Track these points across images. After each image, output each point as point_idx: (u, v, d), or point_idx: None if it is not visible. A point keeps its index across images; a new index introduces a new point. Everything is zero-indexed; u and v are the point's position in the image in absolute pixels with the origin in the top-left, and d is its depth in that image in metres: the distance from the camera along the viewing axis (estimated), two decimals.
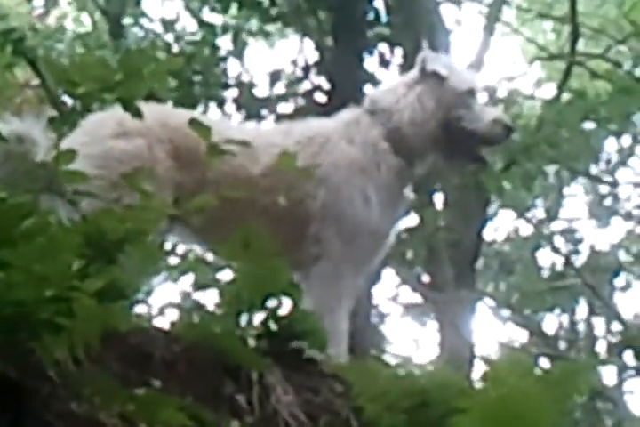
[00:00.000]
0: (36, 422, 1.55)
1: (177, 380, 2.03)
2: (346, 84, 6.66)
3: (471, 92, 3.46)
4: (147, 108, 2.91)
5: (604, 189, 12.23)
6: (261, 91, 8.05)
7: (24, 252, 1.58)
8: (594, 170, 11.17)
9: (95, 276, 1.76)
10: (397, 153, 3.29)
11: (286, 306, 2.46)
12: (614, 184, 11.80)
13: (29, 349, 1.61)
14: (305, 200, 3.15)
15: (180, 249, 3.13)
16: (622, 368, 12.75)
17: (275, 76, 8.04)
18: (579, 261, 12.48)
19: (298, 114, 7.02)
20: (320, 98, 7.54)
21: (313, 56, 8.02)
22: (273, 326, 2.35)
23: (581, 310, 13.47)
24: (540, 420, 1.67)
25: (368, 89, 5.11)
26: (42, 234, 1.62)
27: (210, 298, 2.84)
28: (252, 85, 8.16)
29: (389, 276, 9.58)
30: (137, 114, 2.56)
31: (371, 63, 7.48)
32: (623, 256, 13.13)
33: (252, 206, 3.00)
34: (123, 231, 1.89)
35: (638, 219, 12.15)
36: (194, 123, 2.55)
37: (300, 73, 7.96)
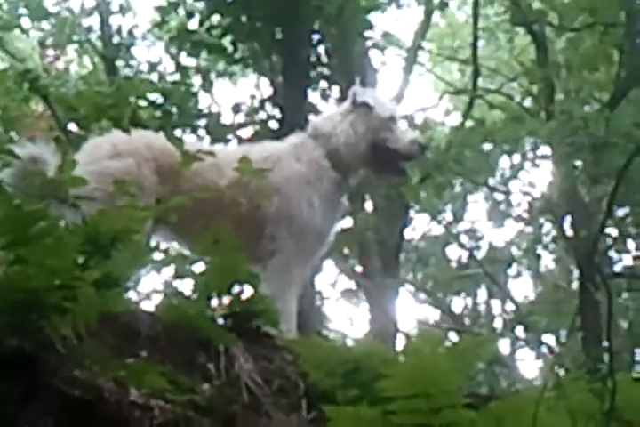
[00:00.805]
0: (46, 388, 1.52)
1: (159, 352, 1.97)
2: (294, 114, 6.59)
3: (393, 119, 3.48)
4: (135, 133, 2.86)
5: (499, 196, 12.29)
6: (226, 119, 8.06)
7: (37, 249, 1.56)
8: (491, 182, 11.23)
9: (94, 268, 1.72)
10: (335, 169, 3.28)
11: (247, 292, 2.45)
12: (507, 193, 11.91)
13: (40, 327, 1.60)
14: (262, 206, 3.14)
15: (163, 246, 3.01)
16: (515, 340, 12.88)
17: (237, 108, 8.02)
18: (480, 254, 12.53)
19: (255, 138, 6.98)
20: (273, 125, 7.52)
21: (267, 91, 8.10)
22: (237, 308, 2.32)
23: (482, 293, 13.51)
24: (449, 383, 1.63)
25: (312, 118, 5.05)
26: (51, 235, 1.59)
27: (186, 286, 2.71)
28: (218, 115, 8.15)
29: (330, 266, 9.48)
30: (125, 130, 2.53)
31: (314, 97, 7.57)
32: (515, 251, 13.30)
33: (219, 211, 2.97)
34: (115, 232, 1.85)
35: (526, 221, 12.25)
36: (172, 139, 2.53)
37: (257, 105, 7.95)
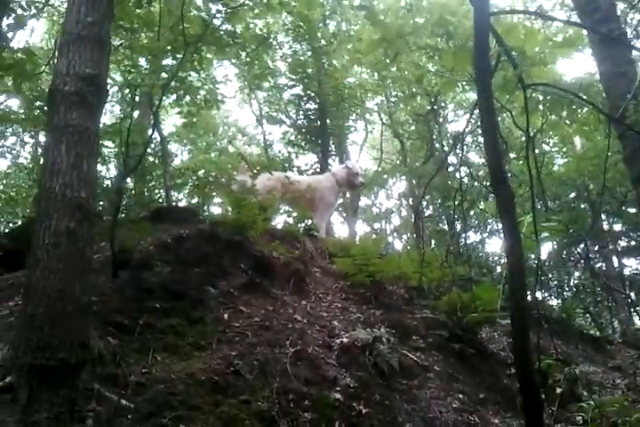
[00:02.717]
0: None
1: (281, 239, 5.67)
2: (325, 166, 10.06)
3: (357, 173, 7.29)
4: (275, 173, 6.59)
5: None
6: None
7: (244, 208, 5.25)
8: None
9: (261, 216, 5.48)
10: (339, 186, 7.20)
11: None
12: None
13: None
14: (313, 197, 6.90)
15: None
16: None
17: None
18: None
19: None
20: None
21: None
22: (307, 227, 6.16)
23: None
24: (371, 250, 5.41)
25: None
26: (247, 204, 5.32)
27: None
28: None
29: None
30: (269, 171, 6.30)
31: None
32: None
33: (300, 199, 6.76)
34: (269, 203, 5.60)
35: None
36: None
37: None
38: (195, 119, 6.17)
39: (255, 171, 5.57)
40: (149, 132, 5.45)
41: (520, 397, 3.12)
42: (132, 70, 4.16)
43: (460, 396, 4.06)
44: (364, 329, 4.08)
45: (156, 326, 3.56)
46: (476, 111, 3.63)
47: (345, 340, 3.88)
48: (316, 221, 6.59)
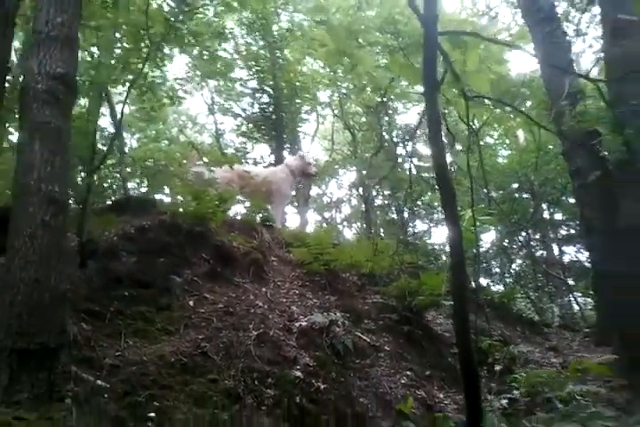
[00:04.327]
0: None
1: (236, 229, 5.95)
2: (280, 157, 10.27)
3: (310, 162, 7.54)
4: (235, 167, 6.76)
5: None
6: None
7: (203, 199, 5.51)
8: None
9: (221, 206, 5.72)
10: (292, 176, 7.41)
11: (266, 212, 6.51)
12: None
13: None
14: (270, 189, 7.12)
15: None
16: None
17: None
18: None
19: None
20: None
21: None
22: (263, 217, 6.42)
23: None
24: (325, 240, 5.75)
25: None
26: (205, 197, 5.57)
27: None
28: None
29: None
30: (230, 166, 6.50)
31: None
32: None
33: (256, 191, 6.97)
34: (228, 195, 5.84)
35: None
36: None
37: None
38: (156, 115, 6.32)
39: (207, 161, 5.72)
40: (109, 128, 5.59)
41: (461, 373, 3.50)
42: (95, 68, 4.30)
43: (408, 373, 4.44)
44: (321, 313, 4.40)
45: (125, 312, 3.78)
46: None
47: (303, 323, 4.18)
48: (272, 211, 6.85)
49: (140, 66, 4.47)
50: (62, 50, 3.78)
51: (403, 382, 4.27)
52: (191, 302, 4.12)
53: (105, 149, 4.67)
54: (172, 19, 4.51)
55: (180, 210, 5.35)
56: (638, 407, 5.33)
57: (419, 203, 17.35)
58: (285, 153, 10.03)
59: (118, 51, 4.52)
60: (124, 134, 10.68)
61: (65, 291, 3.34)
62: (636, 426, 4.18)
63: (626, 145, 5.16)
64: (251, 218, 6.11)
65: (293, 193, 8.07)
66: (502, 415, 4.41)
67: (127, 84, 4.66)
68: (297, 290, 5.10)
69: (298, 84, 10.07)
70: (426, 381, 4.46)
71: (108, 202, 6.04)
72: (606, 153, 5.83)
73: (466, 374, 3.23)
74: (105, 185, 6.05)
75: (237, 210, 6.90)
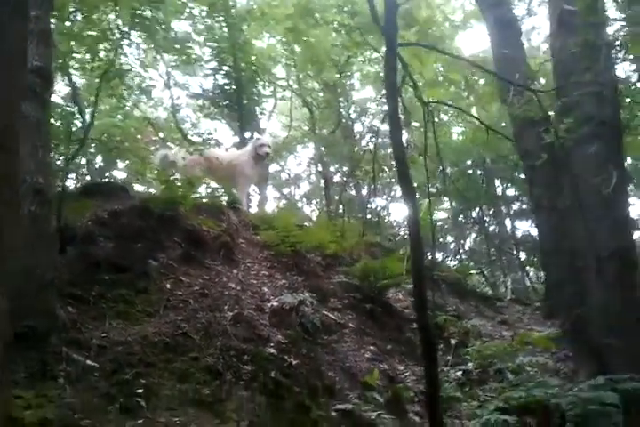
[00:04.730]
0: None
1: (202, 213, 6.18)
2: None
3: (265, 144, 7.58)
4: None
5: None
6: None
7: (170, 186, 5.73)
8: None
9: (188, 193, 5.96)
10: (253, 159, 7.51)
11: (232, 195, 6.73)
12: None
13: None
14: (235, 171, 7.30)
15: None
16: None
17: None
18: None
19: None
20: None
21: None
22: (229, 200, 6.65)
23: None
24: (290, 222, 6.04)
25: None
26: (172, 184, 5.79)
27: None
28: None
29: None
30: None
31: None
32: None
33: (223, 175, 7.15)
34: (196, 179, 6.06)
35: None
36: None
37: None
38: (127, 103, 6.47)
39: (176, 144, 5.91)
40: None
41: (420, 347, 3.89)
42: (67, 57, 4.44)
43: (372, 348, 4.83)
44: (290, 294, 4.73)
45: (107, 296, 4.02)
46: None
47: (275, 304, 4.51)
48: (237, 194, 7.08)
49: (108, 54, 4.62)
50: (38, 44, 3.94)
51: (367, 356, 4.66)
52: (168, 285, 4.39)
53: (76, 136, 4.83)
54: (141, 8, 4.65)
55: (150, 194, 5.56)
56: (582, 376, 5.88)
57: (378, 178, 17.78)
58: (248, 134, 10.17)
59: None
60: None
61: (52, 278, 3.58)
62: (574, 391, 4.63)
63: (567, 132, 5.58)
64: (218, 201, 6.35)
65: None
66: (457, 385, 4.86)
67: (94, 71, 4.80)
68: (266, 271, 5.41)
69: (256, 64, 10.22)
70: (387, 355, 4.86)
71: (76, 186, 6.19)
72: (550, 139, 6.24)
73: (425, 348, 3.61)
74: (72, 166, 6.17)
75: (202, 192, 7.10)
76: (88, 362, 3.41)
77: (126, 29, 4.58)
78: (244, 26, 9.49)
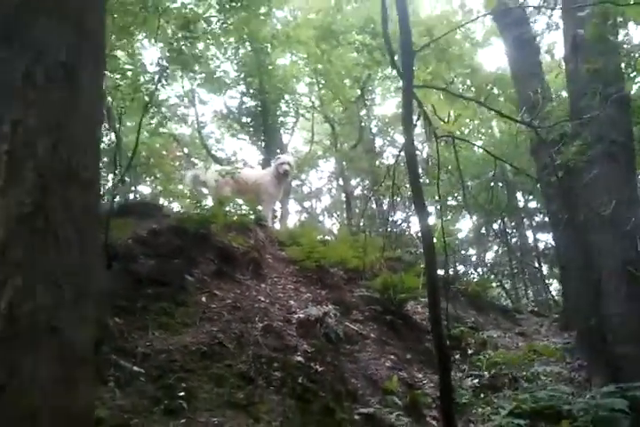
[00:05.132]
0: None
1: (233, 230, 6.63)
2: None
3: (289, 163, 8.04)
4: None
5: None
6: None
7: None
8: None
9: (223, 207, 6.41)
10: (276, 178, 7.94)
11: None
12: None
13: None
14: (259, 189, 7.72)
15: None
16: None
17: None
18: None
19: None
20: None
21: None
22: (256, 216, 7.09)
23: None
24: (314, 238, 6.45)
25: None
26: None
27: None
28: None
29: None
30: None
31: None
32: None
33: (248, 192, 7.56)
34: (224, 198, 6.52)
35: None
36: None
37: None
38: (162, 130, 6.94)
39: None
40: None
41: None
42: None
43: (392, 357, 5.21)
44: (315, 306, 5.13)
45: (150, 308, 4.44)
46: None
47: (301, 315, 4.91)
48: (262, 211, 7.51)
49: (150, 87, 5.10)
50: None
51: (387, 364, 5.03)
52: (203, 299, 4.82)
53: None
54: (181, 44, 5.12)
55: (184, 214, 6.01)
56: (595, 385, 6.19)
57: (398, 193, 18.15)
58: (271, 151, 10.63)
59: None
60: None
61: (103, 291, 4.03)
62: (585, 398, 4.96)
63: (578, 153, 5.95)
64: (245, 218, 6.78)
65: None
66: (472, 392, 5.22)
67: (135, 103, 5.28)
68: (292, 285, 5.82)
69: (280, 85, 10.71)
70: (406, 363, 5.23)
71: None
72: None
73: (439, 356, 3.99)
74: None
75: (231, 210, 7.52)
76: (135, 368, 3.83)
77: (165, 63, 5.00)
78: (269, 49, 9.98)
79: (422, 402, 4.61)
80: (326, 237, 7.85)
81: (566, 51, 7.48)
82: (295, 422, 3.88)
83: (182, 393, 3.76)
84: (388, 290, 6.01)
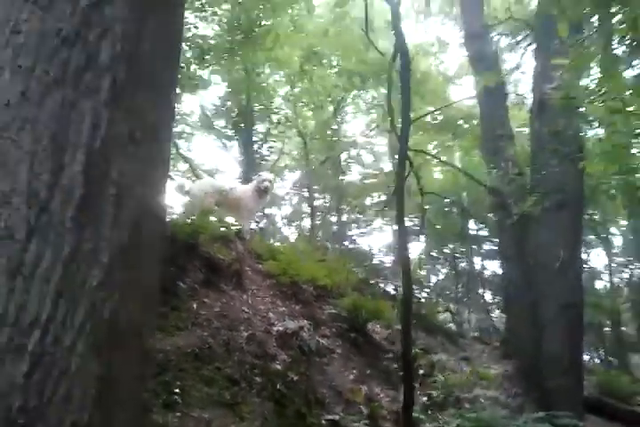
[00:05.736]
0: None
1: (213, 241, 7.18)
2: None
3: (268, 180, 8.54)
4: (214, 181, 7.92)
5: None
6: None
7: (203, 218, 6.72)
8: None
9: (216, 220, 6.96)
10: (257, 193, 8.42)
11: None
12: None
13: None
14: (239, 204, 8.21)
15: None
16: None
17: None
18: None
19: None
20: None
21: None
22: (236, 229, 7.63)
23: None
24: (295, 254, 7.06)
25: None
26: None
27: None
28: None
29: None
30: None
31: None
32: None
33: (229, 207, 8.00)
34: (207, 210, 7.06)
35: None
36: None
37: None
38: None
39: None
40: None
41: (399, 373, 4.96)
42: None
43: (354, 371, 5.86)
44: (292, 320, 5.75)
45: None
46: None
47: (280, 328, 5.51)
48: (242, 225, 8.01)
49: None
50: None
51: (350, 378, 5.68)
52: (194, 305, 5.35)
53: None
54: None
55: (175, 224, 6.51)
56: (527, 410, 7.02)
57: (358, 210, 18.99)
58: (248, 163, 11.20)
59: None
60: None
61: None
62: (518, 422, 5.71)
63: (534, 205, 6.83)
64: (228, 231, 7.29)
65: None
66: (423, 409, 5.93)
67: None
68: (269, 298, 6.40)
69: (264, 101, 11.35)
70: (367, 378, 5.90)
71: None
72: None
73: (405, 375, 4.68)
74: None
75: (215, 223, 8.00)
76: None
77: None
78: (260, 68, 10.58)
79: (380, 414, 5.28)
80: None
81: (534, 107, 8.38)
82: (273, 423, 4.49)
83: (177, 390, 4.32)
84: (357, 310, 6.68)
